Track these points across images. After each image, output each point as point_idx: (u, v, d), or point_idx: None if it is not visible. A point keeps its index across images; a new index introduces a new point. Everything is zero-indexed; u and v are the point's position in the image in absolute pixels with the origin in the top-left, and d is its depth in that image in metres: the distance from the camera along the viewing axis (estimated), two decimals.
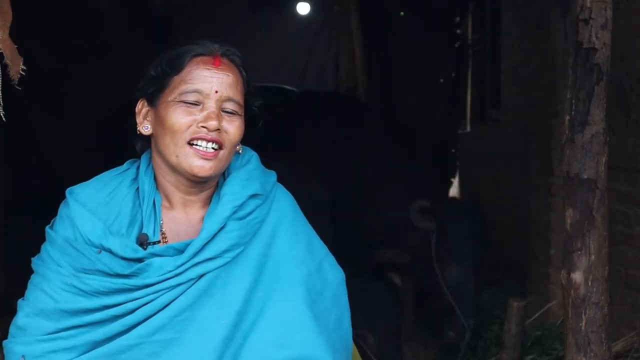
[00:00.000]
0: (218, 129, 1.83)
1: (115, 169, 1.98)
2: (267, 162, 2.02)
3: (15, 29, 1.84)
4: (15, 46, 1.82)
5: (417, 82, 8.32)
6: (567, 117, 2.67)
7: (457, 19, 8.81)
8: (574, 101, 2.65)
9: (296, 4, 10.11)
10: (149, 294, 1.80)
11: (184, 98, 1.84)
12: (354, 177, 5.50)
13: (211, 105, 1.83)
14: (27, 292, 1.88)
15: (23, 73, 1.83)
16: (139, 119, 1.92)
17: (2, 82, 1.80)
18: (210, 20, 9.52)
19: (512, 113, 7.09)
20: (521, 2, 6.59)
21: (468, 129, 9.15)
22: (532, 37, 5.95)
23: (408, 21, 8.32)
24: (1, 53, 1.79)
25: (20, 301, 1.88)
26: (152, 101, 1.89)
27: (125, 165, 1.98)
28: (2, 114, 1.76)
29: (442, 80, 8.71)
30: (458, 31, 8.89)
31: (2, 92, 1.78)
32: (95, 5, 7.06)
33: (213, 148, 1.83)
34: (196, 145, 1.83)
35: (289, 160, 4.75)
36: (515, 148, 6.54)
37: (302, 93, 7.24)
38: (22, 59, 1.83)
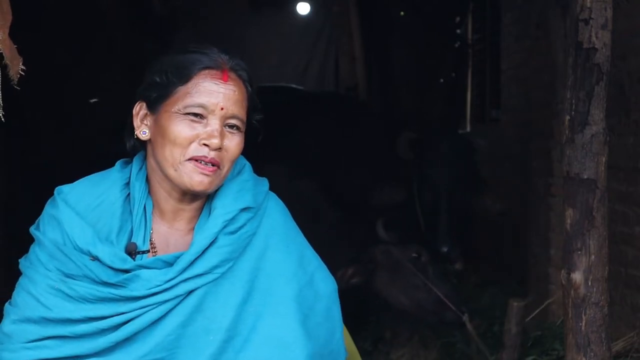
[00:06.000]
0: (219, 148, 1.80)
1: (107, 170, 1.94)
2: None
3: (15, 29, 1.83)
4: (15, 46, 1.81)
5: (417, 82, 8.31)
6: (567, 117, 2.67)
7: (457, 19, 8.81)
8: (574, 101, 2.65)
9: (296, 4, 10.13)
10: (136, 309, 1.77)
11: (188, 111, 1.80)
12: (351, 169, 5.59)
13: (215, 122, 1.80)
14: (14, 294, 1.86)
15: (22, 73, 1.82)
16: (136, 122, 1.88)
17: (1, 82, 1.79)
18: (210, 20, 9.54)
19: (512, 113, 7.09)
20: (521, 2, 6.60)
21: (468, 129, 9.15)
22: (532, 37, 5.95)
23: (408, 21, 8.32)
24: (1, 53, 1.78)
25: (7, 306, 1.86)
26: (153, 107, 1.85)
27: (117, 166, 1.94)
28: (1, 115, 1.75)
29: (442, 80, 8.71)
30: (458, 31, 8.89)
31: (2, 92, 1.78)
32: (96, 5, 7.06)
33: (213, 165, 1.80)
34: (196, 161, 1.80)
35: (274, 161, 4.86)
36: (515, 148, 6.54)
37: (304, 92, 7.28)
38: (22, 59, 1.82)
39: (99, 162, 2.03)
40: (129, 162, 1.94)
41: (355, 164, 5.60)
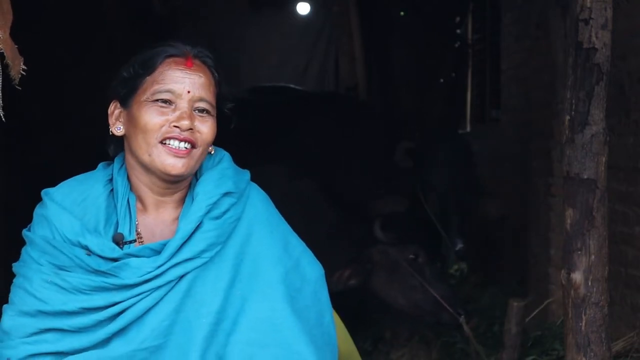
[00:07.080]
0: (190, 129, 1.84)
1: (89, 172, 2.00)
2: (244, 165, 2.03)
3: (15, 29, 1.84)
4: (16, 46, 1.82)
5: (417, 82, 8.31)
6: (567, 117, 2.67)
7: (457, 19, 8.81)
8: (574, 101, 2.65)
9: (296, 4, 10.12)
10: (130, 297, 1.81)
11: (156, 97, 1.85)
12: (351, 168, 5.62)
13: (183, 105, 1.85)
14: (10, 295, 1.89)
15: (24, 73, 1.83)
16: (111, 120, 1.93)
17: (2, 82, 1.80)
18: (210, 20, 9.53)
19: (512, 113, 7.09)
20: (521, 2, 6.59)
21: (468, 129, 9.15)
22: (532, 37, 5.95)
23: (408, 21, 8.31)
24: (2, 53, 1.79)
25: (4, 306, 1.89)
26: (125, 102, 1.91)
27: (99, 167, 2.00)
28: (1, 115, 1.75)
29: (442, 80, 8.70)
30: (458, 31, 8.88)
31: (2, 92, 1.78)
32: (96, 5, 7.06)
33: (185, 147, 1.85)
34: (168, 143, 1.84)
35: (274, 161, 4.88)
36: (515, 148, 6.54)
37: (304, 92, 7.29)
38: (23, 58, 1.83)
39: (99, 163, 2.05)
40: (110, 163, 1.99)
41: (355, 164, 5.60)
